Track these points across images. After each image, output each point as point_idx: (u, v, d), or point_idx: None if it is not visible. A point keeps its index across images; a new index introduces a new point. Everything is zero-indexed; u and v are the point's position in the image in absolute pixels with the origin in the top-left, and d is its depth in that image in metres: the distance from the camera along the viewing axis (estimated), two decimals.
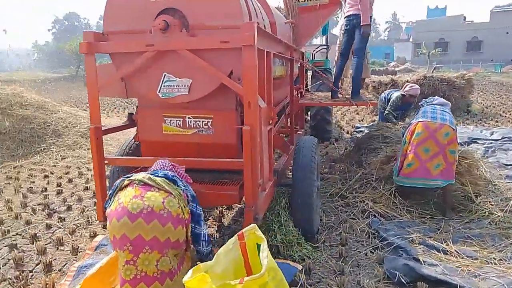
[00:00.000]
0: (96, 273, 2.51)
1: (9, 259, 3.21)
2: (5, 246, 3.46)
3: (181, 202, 2.17)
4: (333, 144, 7.32)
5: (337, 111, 11.80)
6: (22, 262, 3.16)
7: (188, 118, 2.99)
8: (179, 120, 3.01)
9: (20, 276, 2.93)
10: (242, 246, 1.80)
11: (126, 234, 2.03)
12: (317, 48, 8.60)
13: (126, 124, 3.37)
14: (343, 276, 2.91)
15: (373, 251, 3.32)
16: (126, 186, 2.17)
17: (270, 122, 2.96)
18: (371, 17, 4.95)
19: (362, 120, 10.47)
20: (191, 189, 2.42)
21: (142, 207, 2.03)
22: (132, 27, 2.79)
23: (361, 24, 4.80)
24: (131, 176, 2.22)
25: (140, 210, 2.02)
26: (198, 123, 2.98)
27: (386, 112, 6.35)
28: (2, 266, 3.14)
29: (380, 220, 3.82)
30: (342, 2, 5.55)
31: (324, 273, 3.01)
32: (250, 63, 2.54)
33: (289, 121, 5.26)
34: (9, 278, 2.94)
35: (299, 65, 5.79)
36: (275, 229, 3.26)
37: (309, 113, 7.77)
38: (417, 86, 6.55)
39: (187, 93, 2.79)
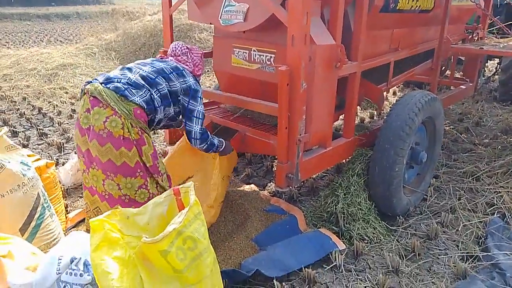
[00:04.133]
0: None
1: None
2: None
3: (128, 121, 1.94)
4: None
5: None
6: None
7: (254, 51, 2.66)
8: (246, 53, 2.71)
9: None
10: (179, 203, 1.55)
11: (79, 145, 2.05)
12: None
13: (205, 52, 3.27)
14: (396, 277, 2.26)
15: (464, 259, 2.43)
16: (85, 93, 2.05)
17: (337, 65, 2.32)
18: None
19: None
20: (189, 81, 2.22)
21: (89, 124, 1.97)
22: None
23: None
24: (90, 82, 2.06)
25: (88, 127, 1.97)
26: (262, 58, 2.63)
27: None
28: None
29: (506, 223, 2.72)
30: None
31: (375, 265, 2.40)
32: None
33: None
34: None
35: None
36: (339, 196, 2.74)
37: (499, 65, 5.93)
38: None
39: (242, 20, 2.45)
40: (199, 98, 2.25)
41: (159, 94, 2.10)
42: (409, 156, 2.82)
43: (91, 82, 2.05)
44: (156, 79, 2.10)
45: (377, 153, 2.66)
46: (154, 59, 2.33)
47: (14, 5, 24.85)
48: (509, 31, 4.00)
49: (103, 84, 2.00)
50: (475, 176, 3.38)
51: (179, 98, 2.18)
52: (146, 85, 2.06)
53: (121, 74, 2.09)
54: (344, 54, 2.31)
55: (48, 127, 4.89)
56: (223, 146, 2.43)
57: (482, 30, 4.60)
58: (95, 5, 27.26)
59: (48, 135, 4.55)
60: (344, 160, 3.10)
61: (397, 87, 6.18)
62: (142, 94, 2.02)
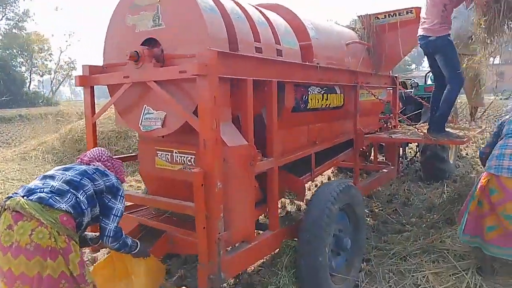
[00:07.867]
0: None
1: None
2: None
3: (55, 230, 1.91)
4: (448, 186, 5.91)
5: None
6: None
7: (175, 153, 2.78)
8: (168, 155, 2.82)
9: None
10: None
11: (0, 265, 1.95)
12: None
13: (131, 156, 3.36)
14: None
15: None
16: (5, 209, 1.99)
17: (251, 163, 2.48)
18: None
19: None
20: (112, 179, 2.27)
21: (12, 241, 1.90)
22: (121, 59, 2.76)
23: None
24: (11, 197, 2.01)
25: (10, 244, 1.90)
26: (183, 159, 2.73)
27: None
28: None
29: None
30: None
31: None
32: (204, 95, 2.20)
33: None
34: None
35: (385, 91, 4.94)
36: None
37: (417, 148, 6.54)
38: None
39: (160, 126, 2.60)
40: (120, 197, 2.29)
41: (85, 195, 2.11)
42: (334, 243, 2.90)
43: (11, 197, 2.01)
44: (81, 181, 2.13)
45: (301, 244, 2.73)
46: (75, 163, 2.38)
47: None
48: (410, 122, 4.55)
49: (25, 197, 1.97)
50: (401, 257, 3.50)
51: (103, 196, 2.21)
52: (71, 189, 2.07)
53: (43, 184, 2.08)
54: (256, 153, 2.48)
55: None
56: (137, 248, 2.39)
57: (394, 119, 5.16)
58: (41, 107, 27.22)
59: None
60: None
61: (331, 172, 6.51)
62: (67, 200, 2.02)
